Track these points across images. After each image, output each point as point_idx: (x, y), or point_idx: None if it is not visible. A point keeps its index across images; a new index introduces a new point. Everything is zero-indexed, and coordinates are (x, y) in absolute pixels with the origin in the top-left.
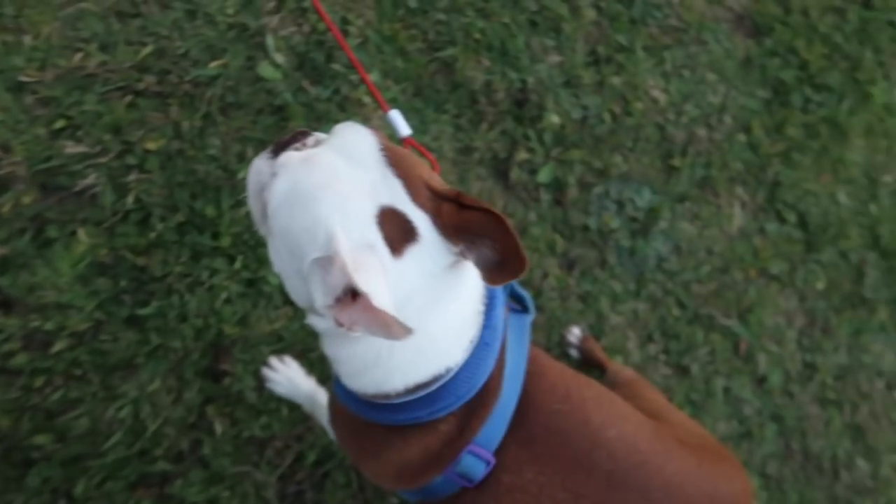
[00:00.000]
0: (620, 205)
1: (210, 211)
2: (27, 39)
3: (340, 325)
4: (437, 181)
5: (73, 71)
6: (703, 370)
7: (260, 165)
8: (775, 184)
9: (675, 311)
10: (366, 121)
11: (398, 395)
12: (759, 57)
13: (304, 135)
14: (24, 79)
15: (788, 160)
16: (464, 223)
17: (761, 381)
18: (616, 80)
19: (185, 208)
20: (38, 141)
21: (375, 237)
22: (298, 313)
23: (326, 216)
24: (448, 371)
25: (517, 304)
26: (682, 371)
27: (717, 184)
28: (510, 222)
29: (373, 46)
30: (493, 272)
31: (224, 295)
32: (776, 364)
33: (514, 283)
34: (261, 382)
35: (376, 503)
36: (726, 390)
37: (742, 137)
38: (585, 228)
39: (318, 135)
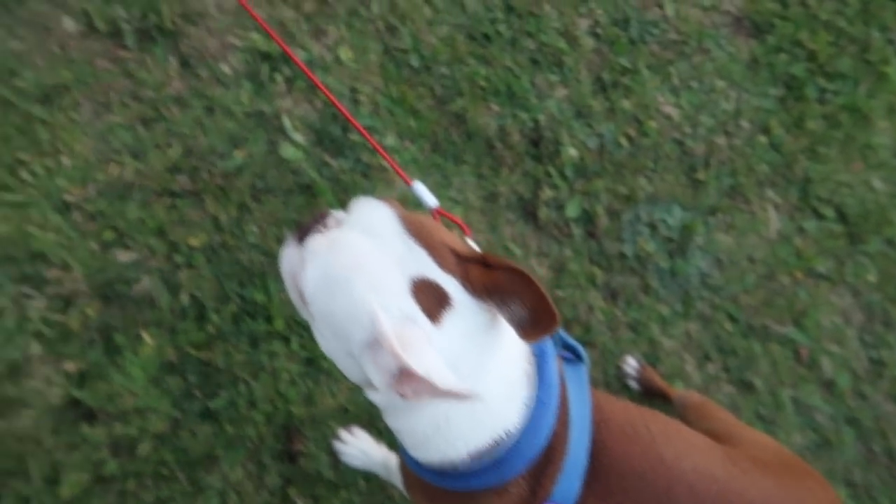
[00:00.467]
0: (653, 227)
1: (259, 297)
2: (65, 160)
3: (404, 397)
4: (461, 244)
5: (112, 183)
6: (767, 383)
7: (290, 254)
8: (806, 180)
9: (728, 326)
10: (390, 186)
11: (463, 462)
12: (765, 55)
13: (324, 216)
14: (68, 198)
15: (814, 154)
16: (492, 283)
17: (829, 386)
18: (626, 104)
19: (235, 298)
20: (91, 255)
21: (413, 309)
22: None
23: (363, 298)
24: (507, 434)
25: (570, 353)
26: (746, 387)
27: (746, 190)
28: (537, 278)
29: (384, 111)
30: (527, 329)
31: (286, 377)
32: (842, 366)
33: (563, 333)
34: (335, 457)
35: None
36: (795, 400)
37: (763, 139)
38: (622, 256)
39: (338, 214)
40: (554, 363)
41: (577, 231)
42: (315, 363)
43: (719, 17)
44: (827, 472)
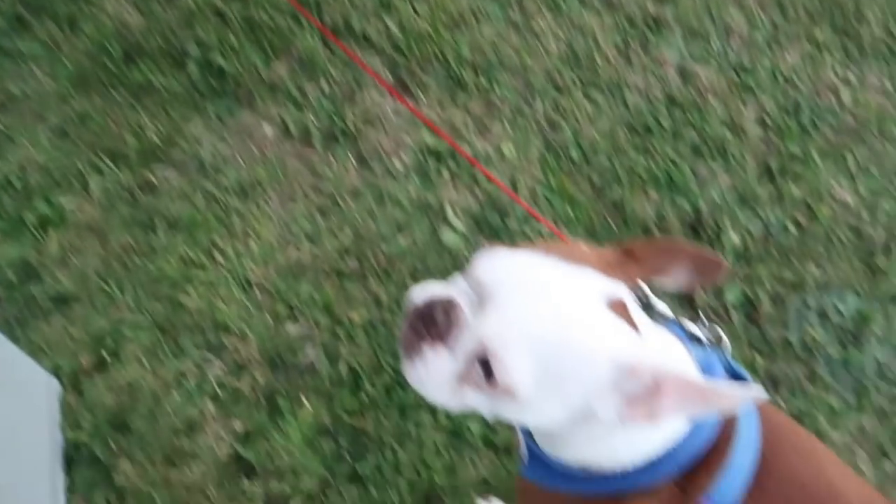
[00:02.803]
0: (823, 315)
1: None
2: (252, 244)
3: (633, 420)
4: (603, 252)
5: (290, 263)
6: None
7: (434, 364)
8: None
9: None
10: None
11: (634, 465)
12: None
13: (446, 309)
14: (251, 277)
15: None
16: (648, 266)
17: None
18: (795, 190)
19: (389, 370)
20: (266, 327)
21: (628, 330)
22: (502, 458)
23: (588, 348)
24: (676, 440)
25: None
26: None
27: None
28: (683, 243)
29: (542, 199)
30: (696, 281)
31: (431, 446)
32: None
33: (732, 361)
34: None
35: None
36: None
37: None
38: (787, 344)
39: (459, 300)
40: (720, 374)
41: (736, 317)
42: (459, 435)
43: None
44: None
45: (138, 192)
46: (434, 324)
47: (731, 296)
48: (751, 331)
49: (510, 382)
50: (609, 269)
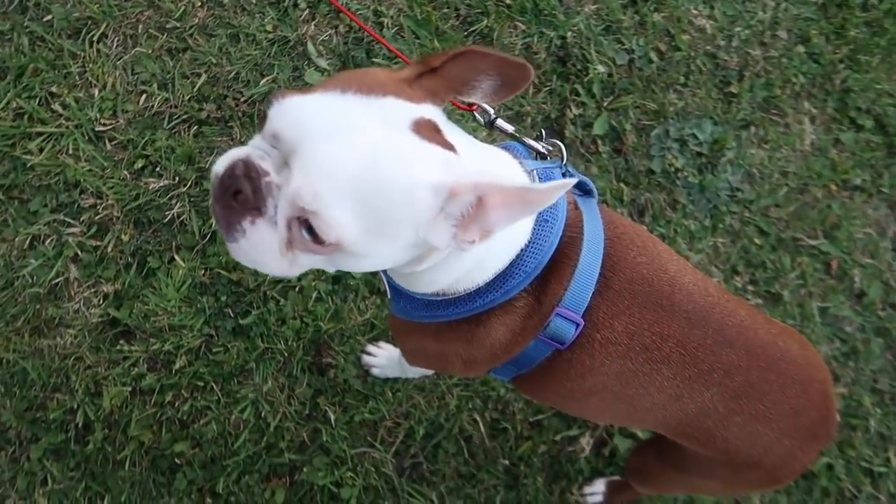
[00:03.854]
0: (682, 142)
1: None
2: (95, 92)
3: (470, 242)
4: (401, 73)
5: (141, 112)
6: (795, 294)
7: (259, 236)
8: (844, 91)
9: (757, 240)
10: None
11: (486, 284)
12: None
13: (252, 178)
14: (100, 128)
15: (855, 63)
16: (451, 80)
17: (859, 296)
18: (657, 17)
19: None
20: (124, 183)
21: (441, 151)
22: (385, 300)
23: (406, 180)
24: (520, 252)
25: (580, 192)
26: (774, 298)
27: (781, 102)
28: (483, 47)
29: (409, 32)
30: (506, 91)
31: (314, 294)
32: (873, 277)
33: (572, 170)
34: (362, 370)
35: (488, 466)
36: (823, 311)
37: (801, 49)
38: (650, 172)
39: (261, 164)
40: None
41: (604, 148)
42: (342, 281)
43: None
44: (853, 381)
45: None
46: (242, 194)
47: (599, 128)
48: (617, 162)
49: (336, 237)
50: (410, 91)
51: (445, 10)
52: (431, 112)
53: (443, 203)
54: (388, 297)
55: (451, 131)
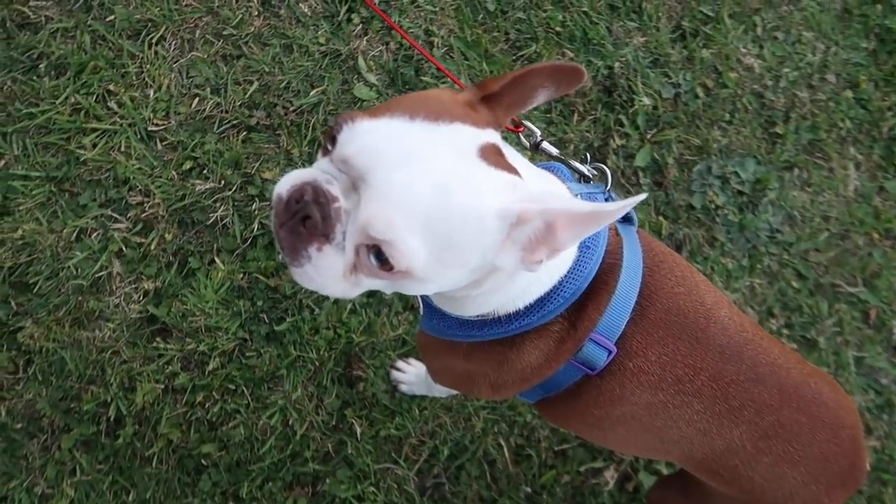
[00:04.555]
0: (724, 180)
1: None
2: (151, 93)
3: (538, 262)
4: (463, 96)
5: (193, 115)
6: (831, 342)
7: (325, 261)
8: (892, 138)
9: (795, 283)
10: None
11: (526, 308)
12: (859, 6)
13: (322, 203)
14: (152, 128)
15: None
16: (510, 102)
17: None
18: (705, 53)
19: None
20: (171, 183)
21: (509, 178)
22: (418, 317)
23: (476, 209)
24: (562, 278)
25: (620, 218)
26: (809, 344)
27: (826, 146)
28: (538, 65)
29: (458, 53)
30: (559, 93)
31: (349, 306)
32: None
33: (614, 196)
34: (391, 385)
35: (510, 492)
36: (859, 361)
37: (849, 94)
38: (690, 208)
39: (329, 189)
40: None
41: (645, 181)
42: (377, 294)
43: None
44: (886, 434)
45: (14, 29)
46: (311, 220)
47: (641, 159)
48: (658, 195)
49: (407, 265)
50: (474, 115)
51: (495, 34)
52: (493, 136)
53: (510, 229)
54: (421, 313)
55: (511, 153)
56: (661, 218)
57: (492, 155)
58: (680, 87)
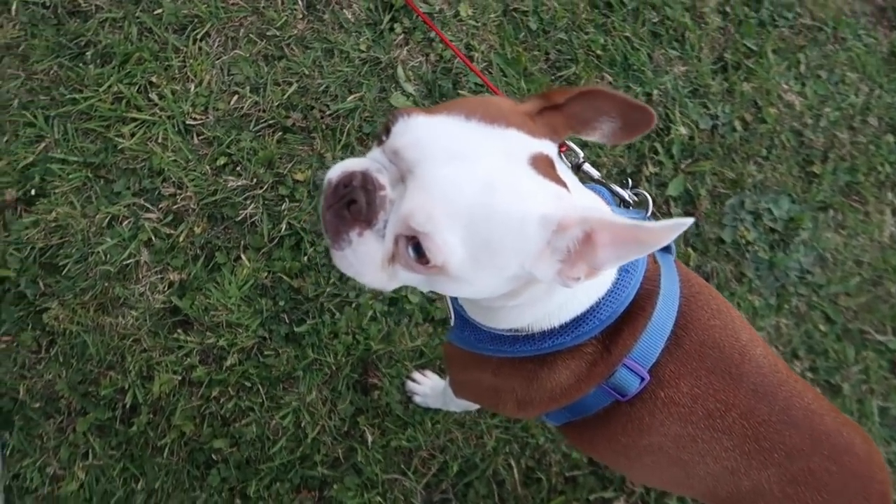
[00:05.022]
0: (757, 216)
1: None
2: (192, 87)
3: (576, 279)
4: (524, 106)
5: (231, 112)
6: (855, 389)
7: (364, 247)
8: None
9: (822, 327)
10: None
11: (561, 326)
12: None
13: (369, 189)
14: (190, 122)
15: None
16: (571, 118)
17: None
18: (746, 87)
19: None
20: (204, 177)
21: (554, 187)
22: (437, 329)
23: (517, 213)
24: (599, 299)
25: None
26: (833, 389)
27: (863, 190)
28: (608, 88)
29: (497, 70)
30: (625, 134)
31: (370, 313)
32: None
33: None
34: (406, 395)
35: None
36: (883, 411)
37: (890, 139)
38: (720, 241)
39: (378, 177)
40: None
41: (676, 210)
42: (398, 304)
43: (861, 4)
44: None
45: (64, 15)
46: (356, 205)
47: (674, 188)
48: (689, 227)
49: (443, 260)
50: (532, 124)
51: (536, 53)
52: (548, 148)
53: (550, 236)
54: (451, 324)
55: (563, 168)
56: (689, 249)
57: (543, 165)
58: (718, 119)
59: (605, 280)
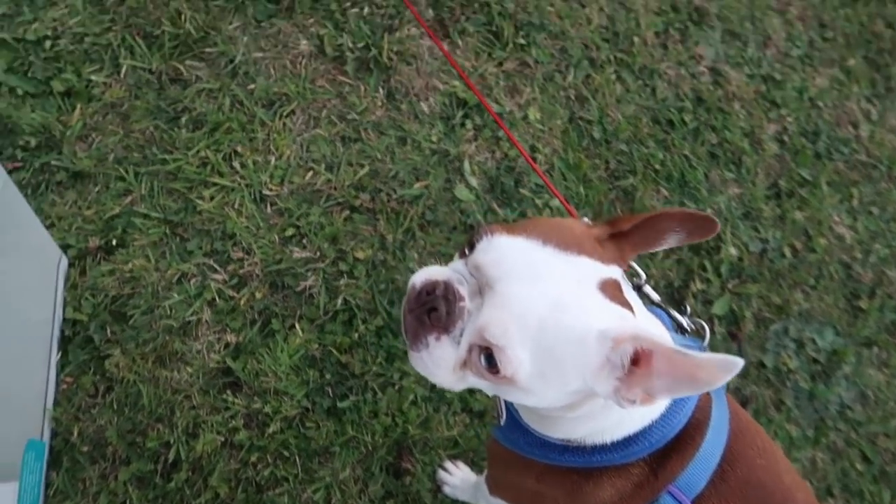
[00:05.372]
0: (800, 344)
1: None
2: (272, 159)
3: (631, 401)
4: (595, 231)
5: (304, 187)
6: None
7: (439, 352)
8: None
9: (859, 466)
10: None
11: (613, 443)
12: None
13: (450, 300)
14: (266, 192)
15: None
16: (638, 242)
17: None
18: (798, 215)
19: (383, 313)
20: (272, 245)
21: (619, 310)
22: (475, 422)
23: (582, 329)
24: (653, 421)
25: None
26: None
27: None
28: (671, 209)
29: (558, 173)
30: (688, 240)
31: (411, 397)
32: None
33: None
34: (436, 484)
35: None
36: None
37: None
38: (761, 366)
39: (459, 288)
40: None
41: (719, 329)
42: (439, 391)
43: None
44: None
45: (167, 82)
46: (436, 312)
47: (719, 308)
48: (730, 347)
49: (512, 372)
50: (601, 251)
51: (596, 161)
52: (616, 272)
53: (608, 351)
54: (500, 422)
55: (629, 291)
56: None
57: (611, 289)
58: (768, 244)
59: (659, 403)
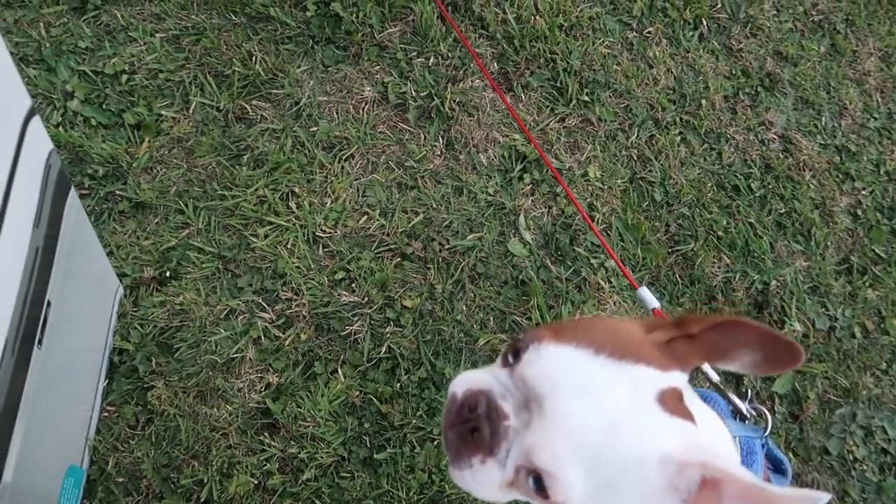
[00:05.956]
0: (869, 432)
1: (448, 371)
2: (328, 202)
3: None
4: (654, 334)
5: (358, 231)
6: None
7: (484, 473)
8: None
9: None
10: (602, 304)
11: None
12: None
13: (493, 419)
14: (319, 234)
15: None
16: (706, 348)
17: None
18: (871, 294)
19: (427, 364)
20: (321, 287)
21: (679, 423)
22: None
23: (641, 453)
24: None
25: (772, 466)
26: None
27: None
28: (748, 320)
29: (615, 233)
30: (765, 368)
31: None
32: None
33: (772, 445)
34: None
35: None
36: None
37: None
38: (825, 452)
39: (503, 405)
40: (761, 464)
41: (780, 409)
42: None
43: None
44: None
45: (233, 120)
46: (479, 433)
47: (781, 386)
48: (791, 429)
49: (564, 498)
50: (661, 357)
51: (656, 223)
52: (678, 379)
53: (671, 476)
54: None
55: (690, 397)
56: (790, 454)
57: (671, 400)
58: (836, 322)
59: None
